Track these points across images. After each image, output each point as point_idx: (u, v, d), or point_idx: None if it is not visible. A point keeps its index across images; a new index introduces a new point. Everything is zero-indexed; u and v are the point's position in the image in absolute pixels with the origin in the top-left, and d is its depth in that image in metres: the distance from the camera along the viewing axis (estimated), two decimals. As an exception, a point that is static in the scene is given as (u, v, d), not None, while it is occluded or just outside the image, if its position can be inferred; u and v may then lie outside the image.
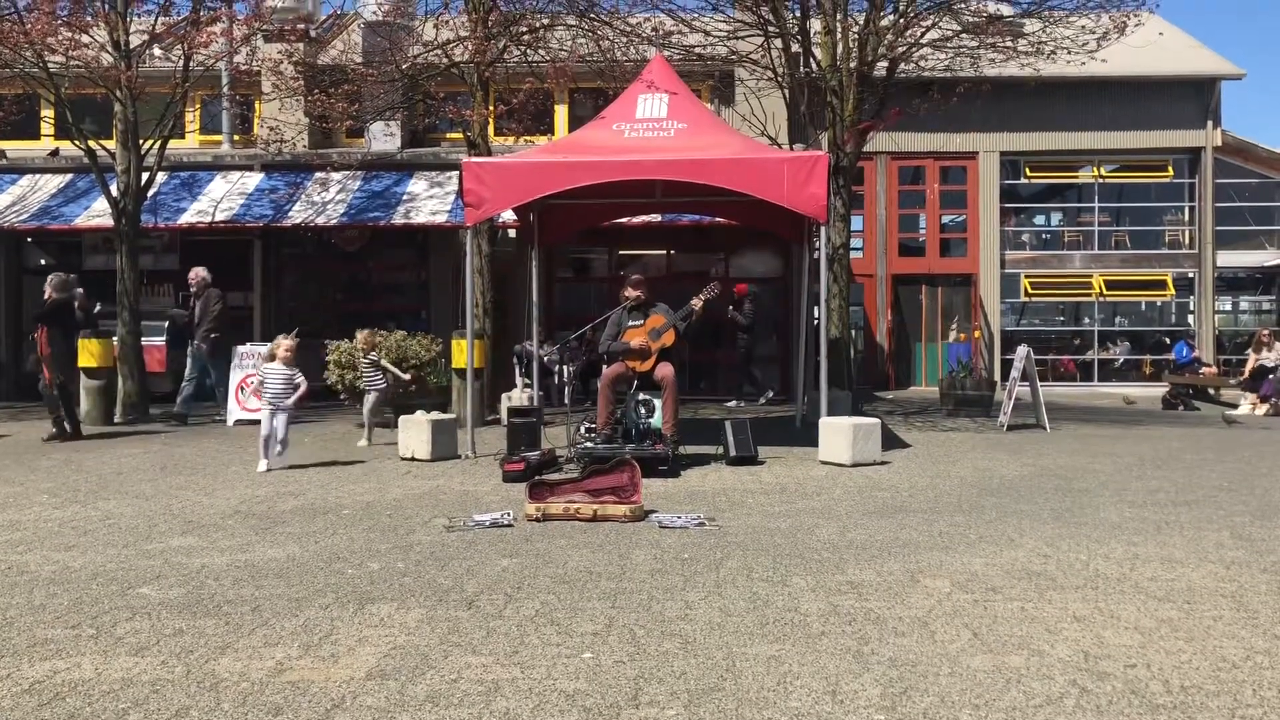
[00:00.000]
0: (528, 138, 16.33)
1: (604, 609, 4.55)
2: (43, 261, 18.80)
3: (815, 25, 14.59)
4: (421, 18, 16.04)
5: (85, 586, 4.97)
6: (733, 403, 15.80)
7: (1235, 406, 16.27)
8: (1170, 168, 22.02)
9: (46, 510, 7.06)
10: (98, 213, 16.06)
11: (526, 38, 14.40)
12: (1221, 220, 21.88)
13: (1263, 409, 15.50)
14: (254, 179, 17.81)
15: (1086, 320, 22.44)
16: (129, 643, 4.09)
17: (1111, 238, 22.48)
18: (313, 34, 18.40)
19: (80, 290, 14.01)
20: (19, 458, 9.90)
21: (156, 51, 14.80)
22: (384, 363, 11.40)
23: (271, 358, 9.37)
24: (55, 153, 16.88)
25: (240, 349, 13.64)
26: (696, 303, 9.61)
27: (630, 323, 9.50)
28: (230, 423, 13.03)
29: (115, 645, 4.06)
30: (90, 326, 13.46)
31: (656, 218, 15.81)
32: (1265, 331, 17.21)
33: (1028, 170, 22.18)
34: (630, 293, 9.60)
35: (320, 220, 16.41)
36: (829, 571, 5.24)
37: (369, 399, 11.13)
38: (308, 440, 11.35)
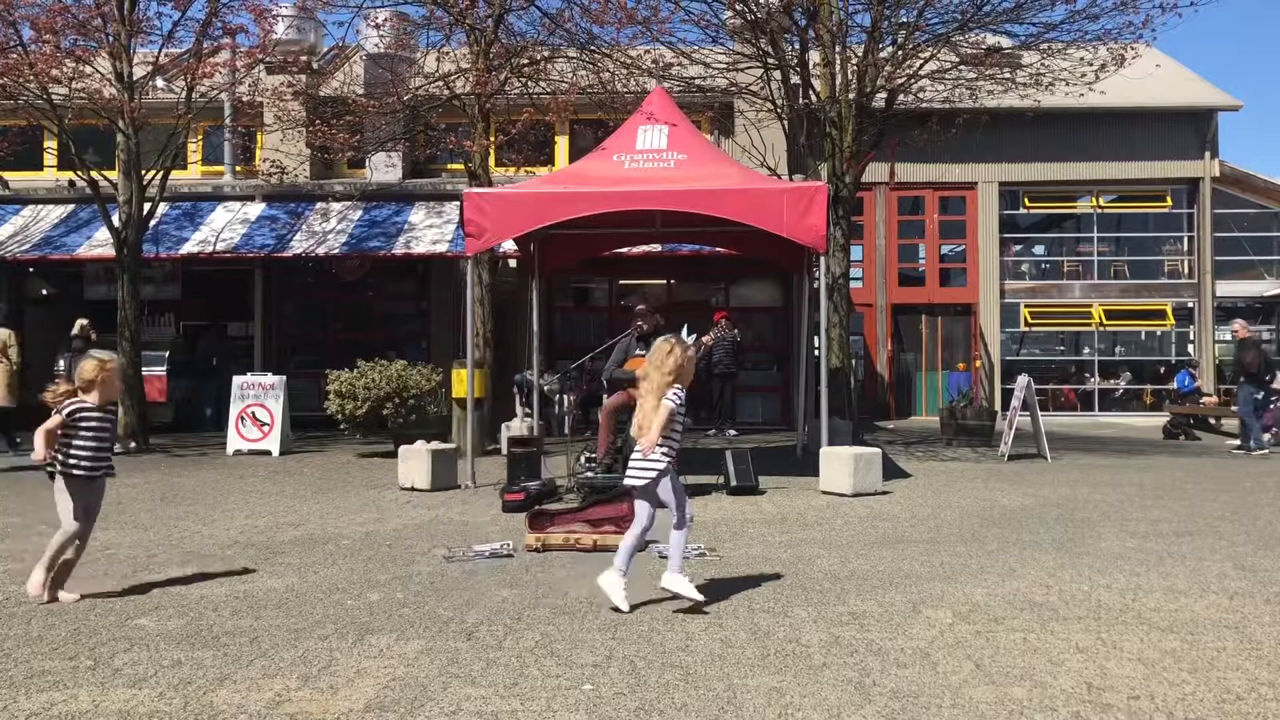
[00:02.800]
0: (529, 168, 16.40)
1: (604, 640, 4.52)
2: (44, 291, 18.85)
3: (814, 57, 14.68)
4: (423, 50, 16.15)
5: (83, 617, 4.94)
6: (732, 432, 15.77)
7: (1235, 436, 16.21)
8: (1169, 198, 22.09)
9: (45, 540, 7.01)
10: (99, 243, 16.11)
11: (528, 70, 14.50)
12: (1220, 250, 21.91)
13: (1265, 437, 15.43)
14: (255, 209, 17.88)
15: (1086, 350, 22.43)
16: (127, 674, 4.07)
17: (1111, 268, 22.50)
18: (315, 66, 18.52)
19: (85, 321, 14.08)
20: (18, 488, 9.87)
21: (159, 83, 14.89)
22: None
23: (673, 377, 5.09)
24: (73, 185, 16.92)
25: (239, 379, 13.63)
26: (706, 340, 9.64)
27: (637, 351, 9.51)
28: (229, 452, 12.99)
29: (113, 677, 4.04)
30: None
31: (657, 248, 15.84)
32: None
33: (1026, 200, 22.25)
34: (639, 323, 9.61)
35: (321, 250, 16.45)
36: (830, 602, 5.22)
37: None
38: (307, 471, 11.34)
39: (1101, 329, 22.12)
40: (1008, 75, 14.66)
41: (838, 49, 14.14)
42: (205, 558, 6.40)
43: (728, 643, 4.48)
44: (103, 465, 5.34)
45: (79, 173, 14.37)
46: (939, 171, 20.88)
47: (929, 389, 21.76)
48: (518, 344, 16.68)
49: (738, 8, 14.34)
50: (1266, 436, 15.48)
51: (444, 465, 9.67)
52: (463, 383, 11.68)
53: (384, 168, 18.27)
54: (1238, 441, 14.74)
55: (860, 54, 14.30)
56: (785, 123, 15.14)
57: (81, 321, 14.23)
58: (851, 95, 14.05)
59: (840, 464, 9.25)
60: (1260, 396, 14.70)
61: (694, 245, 15.52)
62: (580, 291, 19.74)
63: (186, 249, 16.59)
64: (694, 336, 9.67)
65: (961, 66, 14.66)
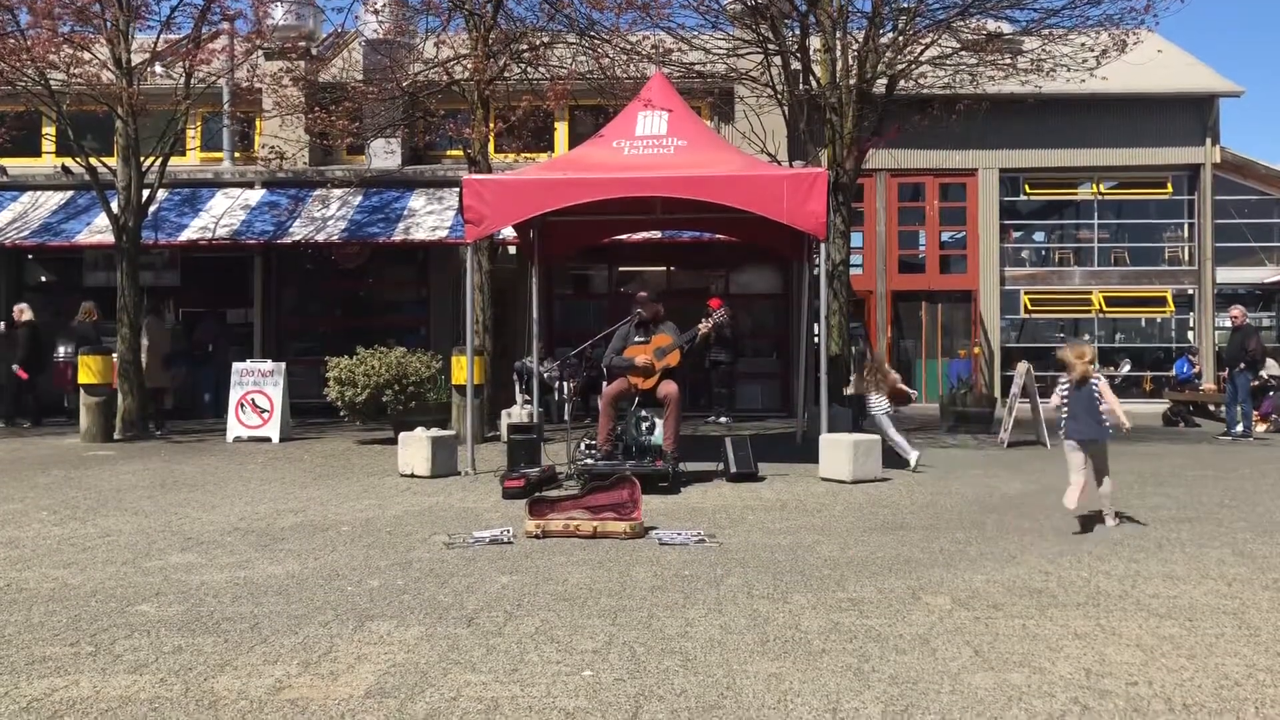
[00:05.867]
0: (528, 155, 16.36)
1: (604, 626, 4.53)
2: (43, 279, 18.83)
3: (815, 43, 14.64)
4: (422, 36, 16.09)
5: (84, 604, 4.95)
6: (724, 419, 15.75)
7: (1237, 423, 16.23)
8: (1169, 184, 22.04)
9: (46, 527, 7.04)
10: (99, 229, 16.07)
11: (527, 55, 14.45)
12: (1221, 237, 21.89)
13: (1263, 426, 15.47)
14: (255, 195, 17.84)
15: (1086, 336, 22.42)
16: (127, 660, 4.07)
17: (1111, 254, 22.48)
18: (314, 51, 18.44)
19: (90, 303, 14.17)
20: (18, 475, 9.88)
21: (158, 69, 14.84)
22: None
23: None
24: (68, 171, 16.85)
25: (239, 366, 13.62)
26: (703, 326, 9.64)
27: (636, 338, 9.50)
28: (229, 439, 12.99)
29: (114, 663, 4.04)
30: (94, 342, 13.57)
31: (656, 235, 15.82)
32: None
33: (1027, 187, 22.21)
34: (640, 310, 9.60)
35: (320, 237, 16.42)
36: (830, 589, 5.23)
37: None
38: (307, 458, 11.35)
39: (1101, 316, 22.13)
40: (1009, 61, 14.61)
41: (838, 34, 14.09)
42: (206, 544, 6.41)
43: (727, 629, 4.49)
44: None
45: (77, 159, 14.34)
46: (939, 158, 20.86)
47: (929, 376, 21.76)
48: (517, 331, 16.68)
49: (738, -7, 14.29)
50: (1266, 425, 15.53)
51: (444, 452, 9.67)
52: (462, 369, 11.68)
53: (383, 154, 18.22)
54: (1224, 428, 14.78)
55: (861, 39, 14.26)
56: (785, 109, 15.10)
57: (86, 304, 14.33)
58: (852, 81, 14.00)
59: (840, 450, 9.26)
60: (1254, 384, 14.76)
61: (694, 232, 15.50)
62: (580, 278, 19.73)
63: (186, 235, 16.55)
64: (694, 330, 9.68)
65: (962, 52, 14.60)
